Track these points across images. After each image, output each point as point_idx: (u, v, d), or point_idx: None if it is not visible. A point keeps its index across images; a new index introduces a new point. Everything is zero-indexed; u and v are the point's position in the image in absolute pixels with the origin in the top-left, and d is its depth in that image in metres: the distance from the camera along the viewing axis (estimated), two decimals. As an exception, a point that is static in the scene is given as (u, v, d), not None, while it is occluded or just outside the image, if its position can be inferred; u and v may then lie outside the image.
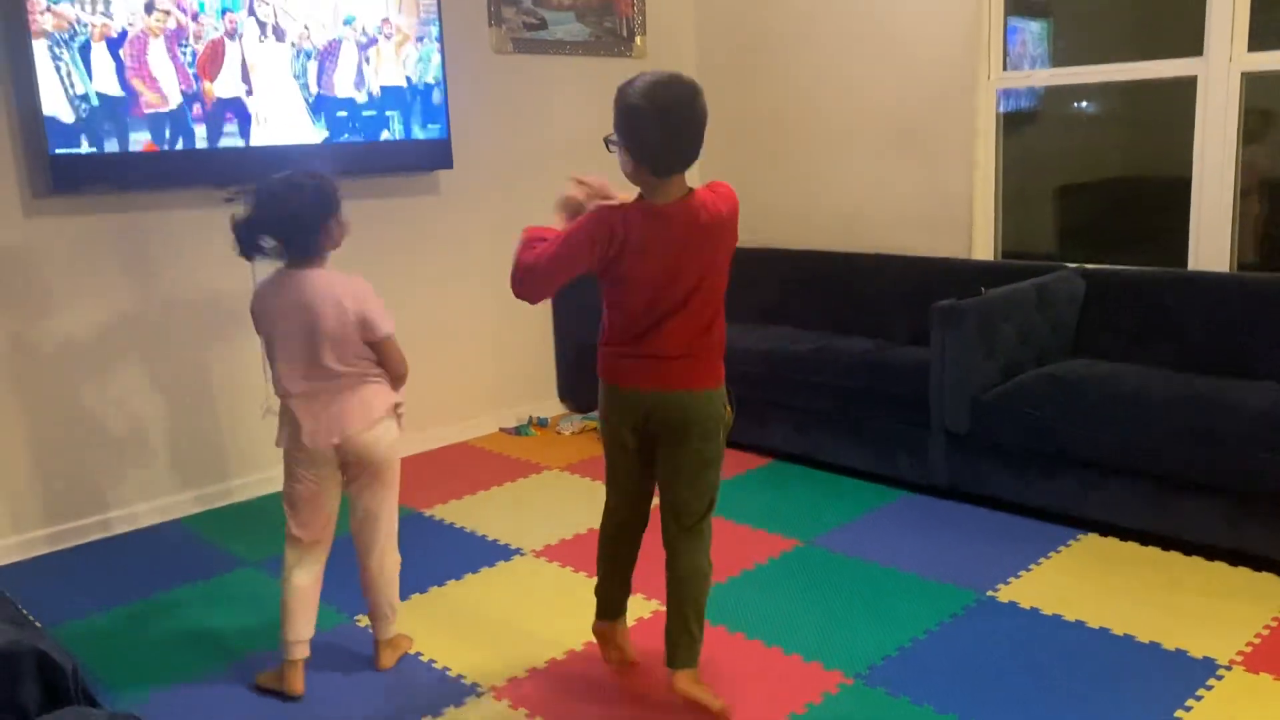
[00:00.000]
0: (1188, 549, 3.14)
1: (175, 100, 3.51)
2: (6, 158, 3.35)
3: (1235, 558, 3.06)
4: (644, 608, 2.91)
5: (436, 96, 4.19)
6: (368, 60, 3.97)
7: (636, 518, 2.50)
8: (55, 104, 3.27)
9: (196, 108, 3.56)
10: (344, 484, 2.57)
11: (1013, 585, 2.99)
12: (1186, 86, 3.81)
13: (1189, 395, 3.19)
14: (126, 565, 3.41)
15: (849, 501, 3.70)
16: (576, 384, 4.89)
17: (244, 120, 3.68)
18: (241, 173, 3.68)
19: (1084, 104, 4.58)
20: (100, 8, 3.31)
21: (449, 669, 2.66)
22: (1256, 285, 3.55)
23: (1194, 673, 2.49)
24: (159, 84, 3.47)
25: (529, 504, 3.83)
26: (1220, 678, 2.47)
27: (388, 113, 4.06)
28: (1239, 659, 2.55)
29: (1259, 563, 3.02)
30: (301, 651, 2.54)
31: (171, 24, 3.46)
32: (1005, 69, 4.34)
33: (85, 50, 3.30)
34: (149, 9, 3.40)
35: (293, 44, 3.77)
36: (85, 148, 3.34)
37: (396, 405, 2.57)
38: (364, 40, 3.95)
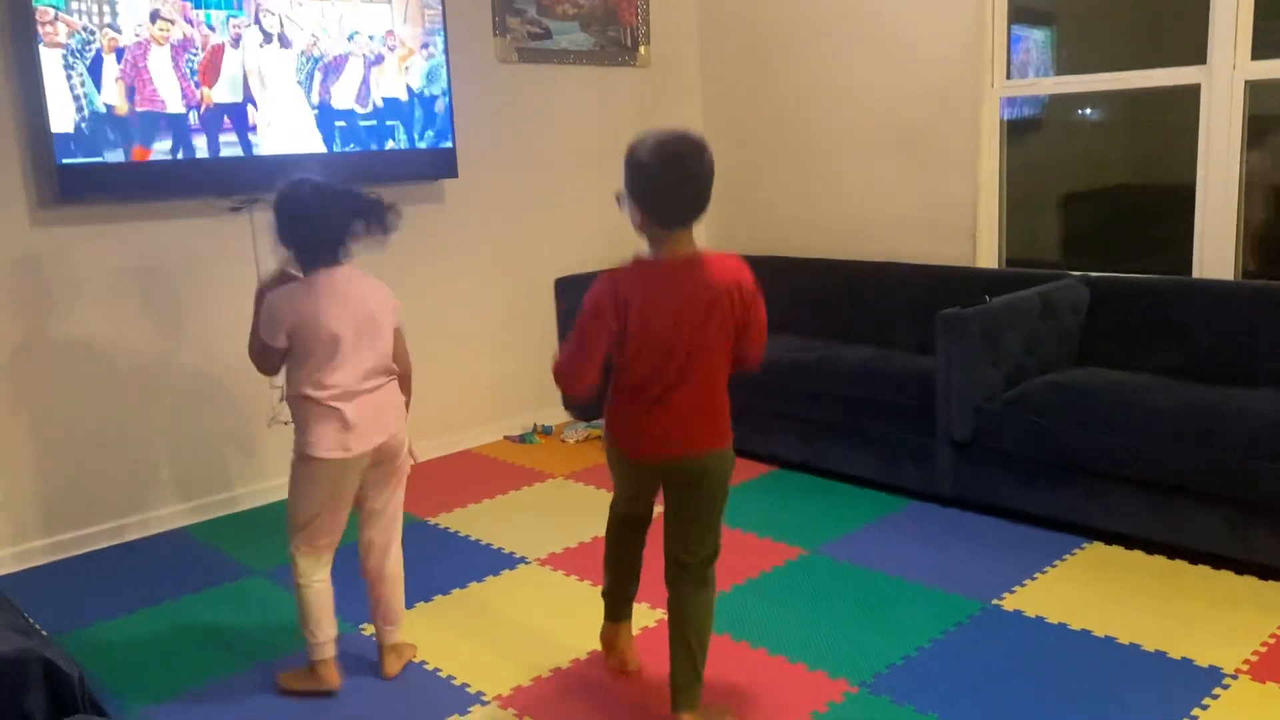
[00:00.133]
0: (1193, 557, 3.14)
1: (181, 110, 3.53)
2: (14, 168, 3.36)
3: (1241, 566, 3.05)
4: (648, 616, 2.91)
5: (441, 106, 4.21)
6: (373, 70, 3.99)
7: (643, 513, 2.53)
8: (62, 114, 3.28)
9: (201, 117, 3.58)
10: (365, 493, 2.57)
11: (1018, 594, 2.98)
12: (1190, 94, 3.81)
13: (1194, 403, 3.19)
14: (133, 573, 3.42)
15: (854, 510, 3.70)
16: (581, 392, 4.89)
17: (249, 130, 3.70)
18: (247, 182, 3.70)
19: (1088, 111, 4.59)
20: (107, 18, 3.33)
21: (454, 677, 2.66)
22: (1261, 293, 3.55)
23: (1200, 681, 2.49)
24: (165, 93, 3.49)
25: (533, 512, 3.83)
26: (1226, 686, 2.46)
27: (391, 122, 4.07)
28: (1245, 668, 2.54)
29: (1265, 571, 3.01)
30: (334, 648, 2.57)
31: (176, 34, 3.47)
32: (1009, 77, 4.35)
33: (93, 61, 3.32)
34: (154, 18, 3.41)
35: (300, 53, 3.79)
36: (92, 158, 3.36)
37: None
38: (370, 50, 3.97)
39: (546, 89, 4.73)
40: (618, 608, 2.62)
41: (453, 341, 4.53)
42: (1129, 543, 3.26)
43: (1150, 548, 3.22)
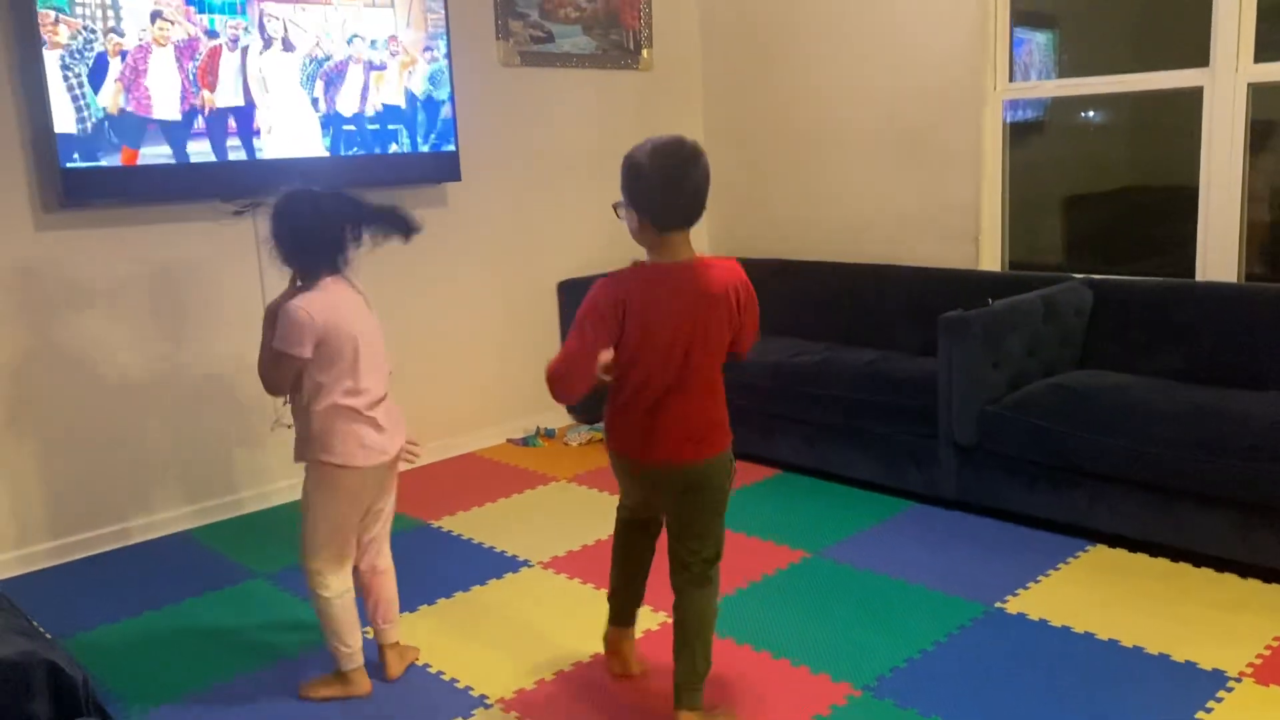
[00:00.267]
0: (1197, 560, 3.13)
1: (184, 113, 3.54)
2: (18, 172, 3.37)
3: (1245, 569, 3.05)
4: (651, 620, 2.91)
5: (444, 110, 4.21)
6: (377, 75, 3.99)
7: (652, 524, 2.53)
8: (66, 118, 3.29)
9: (205, 121, 3.59)
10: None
11: (1021, 597, 2.98)
12: (1193, 97, 3.81)
13: (1197, 406, 3.19)
14: (136, 577, 3.42)
15: (857, 513, 3.70)
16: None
17: (253, 134, 3.71)
18: (250, 186, 3.71)
19: (1090, 114, 4.59)
20: (110, 22, 3.34)
21: (457, 680, 2.67)
22: (1265, 296, 3.54)
23: (1204, 684, 2.48)
24: (168, 97, 3.49)
25: (537, 515, 3.83)
26: (1230, 689, 2.46)
27: (394, 126, 4.08)
28: (1249, 671, 2.54)
29: (1269, 574, 3.01)
30: (362, 655, 2.60)
31: (177, 34, 3.48)
32: (1012, 80, 4.35)
33: (96, 64, 3.33)
34: (154, 18, 3.42)
35: (304, 58, 3.79)
36: (95, 161, 3.36)
37: None
38: (373, 54, 3.97)
39: (549, 92, 4.74)
40: (623, 611, 2.62)
41: (455, 344, 4.54)
42: (1132, 545, 3.26)
43: (1154, 550, 3.22)
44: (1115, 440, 3.18)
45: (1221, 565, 3.09)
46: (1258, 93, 3.70)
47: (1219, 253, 3.82)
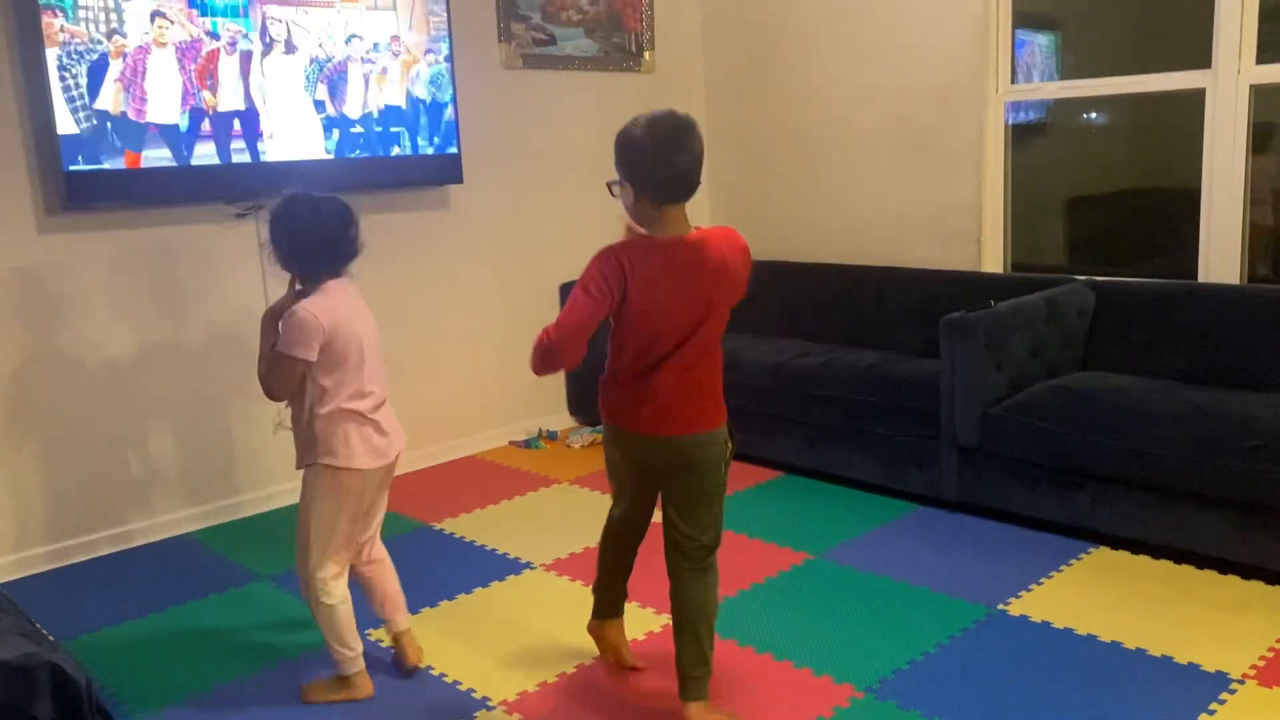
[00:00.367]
0: (1200, 562, 3.13)
1: (187, 115, 3.54)
2: (21, 175, 3.38)
3: (1248, 570, 3.05)
4: (654, 621, 2.91)
5: (447, 112, 4.22)
6: (378, 77, 4.00)
7: (641, 520, 2.53)
8: (69, 121, 3.30)
9: (208, 123, 3.59)
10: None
11: (1024, 599, 2.98)
12: (1195, 99, 3.81)
13: (1199, 407, 3.19)
14: (139, 579, 3.43)
15: (859, 515, 3.70)
16: (586, 397, 4.90)
17: (255, 136, 3.71)
18: (253, 188, 3.72)
19: (1093, 115, 4.59)
20: (114, 25, 3.34)
21: (459, 682, 2.67)
22: (1267, 297, 3.54)
23: (1207, 686, 2.48)
24: (170, 99, 3.50)
25: (539, 517, 3.83)
26: (1233, 691, 2.46)
27: (397, 128, 4.09)
28: (1252, 673, 2.53)
29: (1272, 576, 3.01)
30: (364, 659, 2.61)
31: (177, 35, 3.48)
32: (1014, 81, 4.35)
33: (99, 66, 3.33)
34: (153, 17, 3.42)
35: (307, 60, 3.80)
36: (98, 164, 3.37)
37: None
38: (375, 57, 3.98)
39: (551, 95, 4.74)
40: (607, 605, 2.64)
41: (458, 347, 4.54)
42: (1135, 547, 3.26)
43: (1156, 552, 3.21)
44: (1117, 442, 3.18)
45: (1224, 567, 3.09)
46: (1259, 94, 3.70)
47: (1221, 254, 3.82)
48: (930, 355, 3.78)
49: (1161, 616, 2.83)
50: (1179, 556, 3.17)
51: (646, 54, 5.08)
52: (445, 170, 4.27)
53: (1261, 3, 3.62)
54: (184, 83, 3.52)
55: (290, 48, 3.76)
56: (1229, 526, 3.02)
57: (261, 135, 3.72)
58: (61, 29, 3.24)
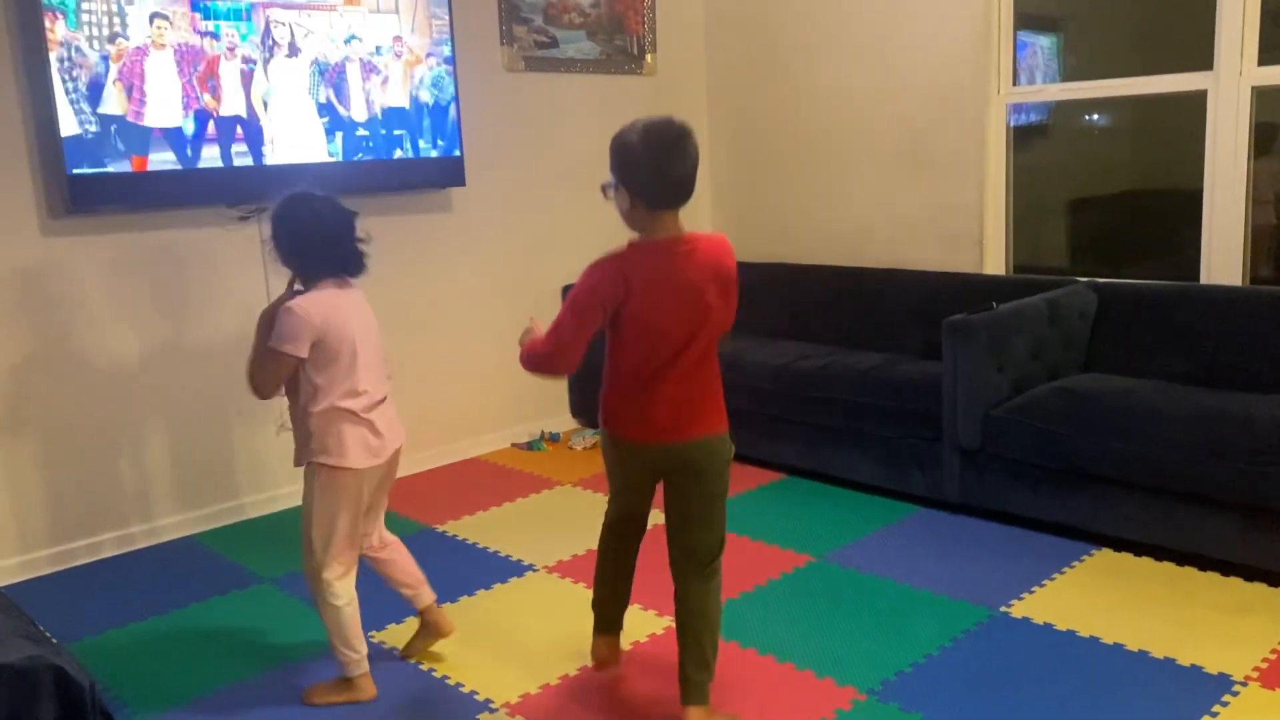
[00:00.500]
0: (1202, 564, 3.13)
1: (190, 118, 3.55)
2: (24, 178, 3.39)
3: (1250, 572, 3.05)
4: (655, 624, 2.91)
5: (449, 114, 4.22)
6: (381, 80, 4.01)
7: (642, 514, 2.52)
8: (72, 124, 3.30)
9: (211, 126, 3.60)
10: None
11: (1026, 601, 2.98)
12: (1197, 100, 3.81)
13: (1202, 409, 3.18)
14: (142, 581, 3.43)
15: (861, 517, 3.70)
16: (588, 399, 4.89)
17: (258, 140, 3.72)
18: (255, 191, 3.72)
19: (1095, 117, 4.59)
20: (116, 28, 3.35)
21: (462, 685, 2.67)
22: (1269, 299, 3.54)
23: (1209, 689, 2.48)
24: (173, 102, 3.51)
25: (541, 519, 3.84)
26: (1236, 694, 2.46)
27: (399, 131, 4.09)
28: (1255, 675, 2.53)
29: (1274, 578, 3.00)
30: (367, 661, 2.61)
31: (176, 37, 3.49)
32: (1015, 84, 4.35)
33: (101, 69, 3.34)
34: (151, 19, 3.41)
35: (310, 63, 3.81)
36: (102, 167, 3.38)
37: None
38: (377, 60, 3.99)
39: (553, 97, 4.75)
40: (613, 618, 2.61)
41: (460, 348, 4.55)
42: (1137, 549, 3.25)
43: (1159, 554, 3.21)
44: (1120, 444, 3.18)
45: (1227, 569, 3.08)
46: (1261, 96, 3.70)
47: (1223, 256, 3.81)
48: (932, 357, 3.78)
49: (1164, 619, 2.83)
50: (1181, 558, 3.17)
51: (648, 56, 5.09)
52: (447, 173, 4.28)
53: (1263, 4, 3.62)
54: (185, 86, 3.52)
55: (293, 51, 3.77)
56: (1232, 528, 3.02)
57: (264, 138, 3.73)
58: (64, 32, 3.25)
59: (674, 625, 2.38)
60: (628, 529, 2.54)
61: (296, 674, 2.75)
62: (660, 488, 2.39)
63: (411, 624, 2.90)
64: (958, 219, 4.48)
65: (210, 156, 3.61)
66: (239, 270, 3.86)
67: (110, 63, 3.35)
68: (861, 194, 4.80)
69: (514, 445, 4.77)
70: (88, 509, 3.61)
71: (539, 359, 2.26)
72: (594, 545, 3.51)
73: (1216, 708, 2.40)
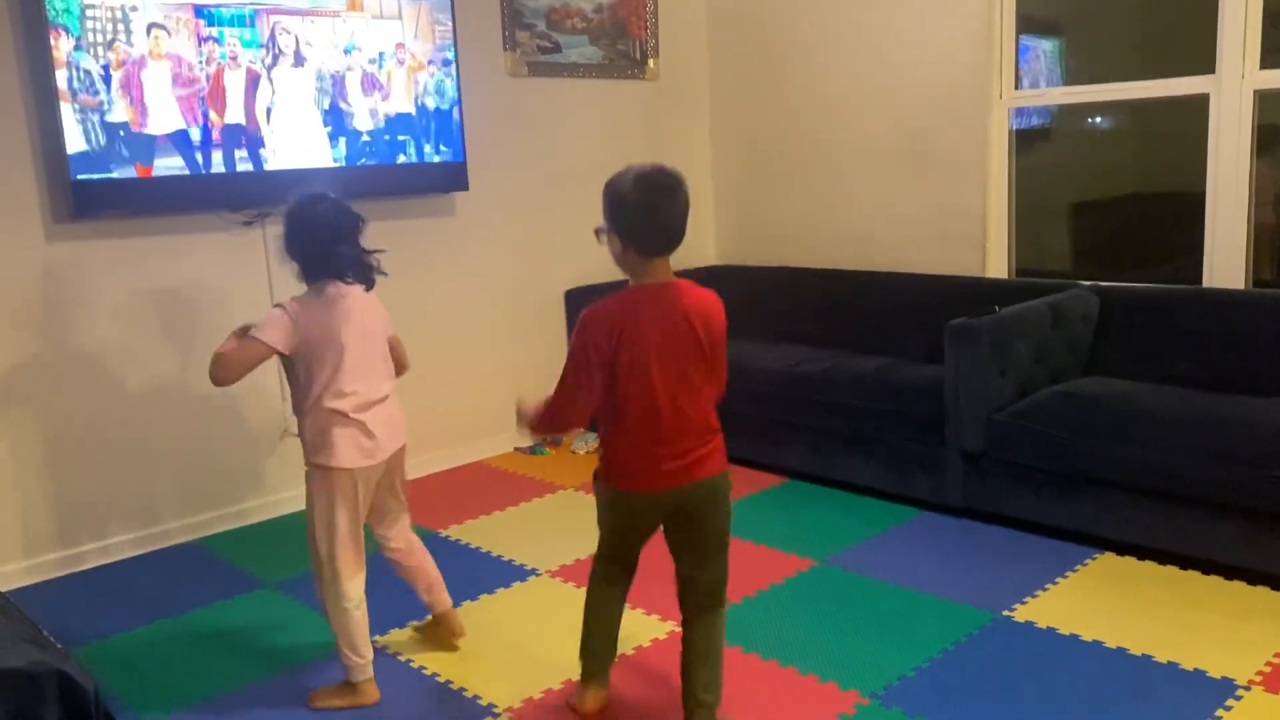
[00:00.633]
0: (1205, 568, 3.13)
1: (194, 125, 3.56)
2: (29, 184, 3.40)
3: (1254, 576, 3.04)
4: (658, 629, 2.91)
5: (452, 119, 4.23)
6: (384, 85, 4.02)
7: (634, 560, 2.50)
8: (76, 130, 3.31)
9: (214, 132, 3.61)
10: (378, 491, 2.67)
11: (1029, 605, 2.98)
12: (1199, 103, 3.81)
13: (1205, 413, 3.18)
14: (147, 585, 3.44)
15: (864, 521, 3.70)
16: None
17: (261, 145, 3.73)
18: (259, 196, 3.74)
19: (1097, 120, 4.59)
20: (122, 36, 3.36)
21: (465, 689, 2.67)
22: (1272, 302, 3.54)
23: (1213, 693, 2.48)
24: (177, 109, 3.52)
25: (544, 524, 3.84)
26: (1239, 698, 2.45)
27: (403, 136, 4.10)
28: (1258, 679, 2.53)
29: (1278, 581, 3.00)
30: (372, 666, 2.63)
31: (175, 46, 3.50)
32: (1017, 87, 4.35)
33: (105, 77, 3.35)
34: (149, 29, 3.43)
35: (314, 69, 3.82)
36: (106, 173, 3.39)
37: None
38: (380, 66, 4.00)
39: (556, 102, 4.75)
40: (605, 666, 2.56)
41: (463, 352, 4.55)
42: (1141, 553, 3.25)
43: (1162, 558, 3.21)
44: (1122, 448, 3.18)
45: (1230, 573, 3.08)
46: (1264, 99, 3.70)
47: (1226, 259, 3.81)
48: (935, 361, 3.78)
49: (1167, 622, 2.83)
50: (1185, 563, 3.17)
51: (651, 61, 5.10)
52: (451, 177, 4.29)
53: (1266, 8, 3.62)
54: (191, 93, 3.53)
55: (297, 57, 3.78)
56: (1235, 532, 3.02)
57: (268, 144, 3.74)
58: (67, 42, 3.26)
59: (680, 655, 2.37)
60: (621, 573, 2.51)
61: (300, 678, 2.75)
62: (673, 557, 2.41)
63: (415, 627, 2.92)
64: (960, 222, 4.48)
65: (214, 162, 3.62)
66: (243, 275, 3.86)
67: (112, 71, 3.36)
68: (864, 197, 4.81)
69: (517, 449, 4.78)
70: (92, 513, 3.62)
71: (548, 418, 2.32)
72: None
73: (1220, 712, 2.40)
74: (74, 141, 3.31)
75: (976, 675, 2.61)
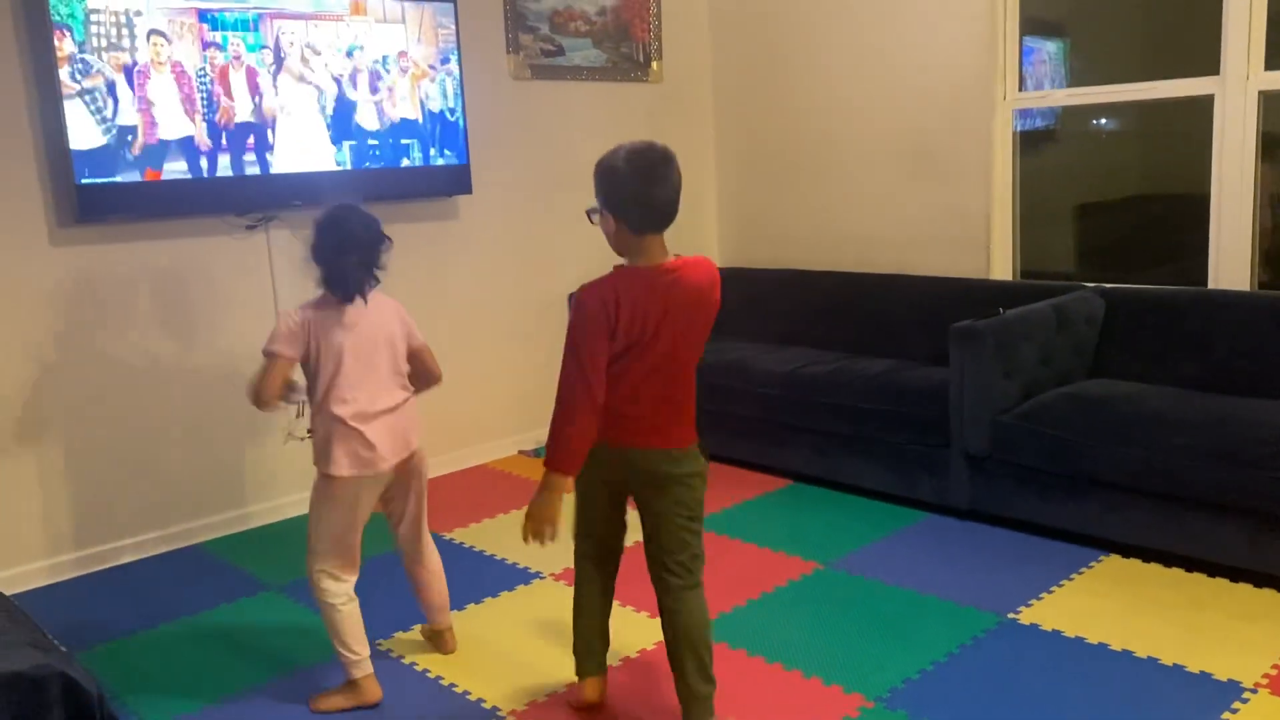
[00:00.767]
0: (1211, 570, 3.12)
1: (198, 129, 3.57)
2: (33, 188, 3.41)
3: (1260, 579, 3.03)
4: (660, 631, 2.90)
5: (456, 123, 4.24)
6: (388, 89, 4.02)
7: (616, 543, 2.49)
8: (81, 134, 3.32)
9: (220, 136, 3.62)
10: (390, 498, 2.70)
11: (1035, 607, 2.97)
12: (1204, 104, 3.81)
13: (1210, 415, 3.17)
14: (151, 589, 3.44)
15: (869, 523, 3.69)
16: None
17: (266, 149, 3.73)
18: (263, 200, 3.74)
19: (1102, 122, 4.58)
20: (125, 41, 3.37)
21: (469, 693, 2.67)
22: (1277, 303, 3.53)
23: (1219, 695, 2.47)
24: (181, 113, 3.52)
25: (548, 527, 3.83)
26: (1246, 700, 2.44)
27: (406, 140, 4.11)
28: (1264, 681, 2.52)
29: (1284, 584, 3.00)
30: (370, 663, 2.63)
31: (177, 53, 3.50)
32: (1022, 89, 4.35)
33: (108, 80, 3.36)
34: (149, 35, 3.43)
35: (318, 73, 3.82)
36: (110, 177, 3.39)
37: None
38: (384, 70, 4.00)
39: (560, 105, 4.76)
40: (601, 657, 2.55)
41: (467, 355, 4.55)
42: (1146, 555, 3.24)
43: (1168, 560, 3.20)
44: (1128, 450, 3.17)
45: (1236, 575, 3.07)
46: (1269, 100, 3.69)
47: (1231, 260, 3.80)
48: (939, 363, 3.77)
49: (1173, 625, 2.82)
50: (1190, 564, 3.16)
51: (654, 64, 5.10)
52: (454, 181, 4.29)
53: (1270, 9, 3.62)
54: (194, 98, 3.54)
55: (301, 62, 3.78)
56: (1241, 535, 3.01)
57: (272, 148, 3.75)
58: (71, 45, 3.27)
59: (665, 643, 2.36)
60: (604, 555, 2.49)
61: (304, 681, 2.75)
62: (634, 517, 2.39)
63: (420, 629, 2.93)
64: (964, 224, 4.48)
65: (219, 166, 3.62)
66: (247, 279, 3.87)
67: (115, 75, 3.37)
68: (868, 199, 4.80)
69: (521, 452, 4.77)
70: (96, 517, 3.63)
71: (569, 400, 2.18)
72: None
73: (1226, 714, 2.39)
74: (78, 145, 3.32)
75: (982, 678, 2.61)
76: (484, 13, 4.45)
